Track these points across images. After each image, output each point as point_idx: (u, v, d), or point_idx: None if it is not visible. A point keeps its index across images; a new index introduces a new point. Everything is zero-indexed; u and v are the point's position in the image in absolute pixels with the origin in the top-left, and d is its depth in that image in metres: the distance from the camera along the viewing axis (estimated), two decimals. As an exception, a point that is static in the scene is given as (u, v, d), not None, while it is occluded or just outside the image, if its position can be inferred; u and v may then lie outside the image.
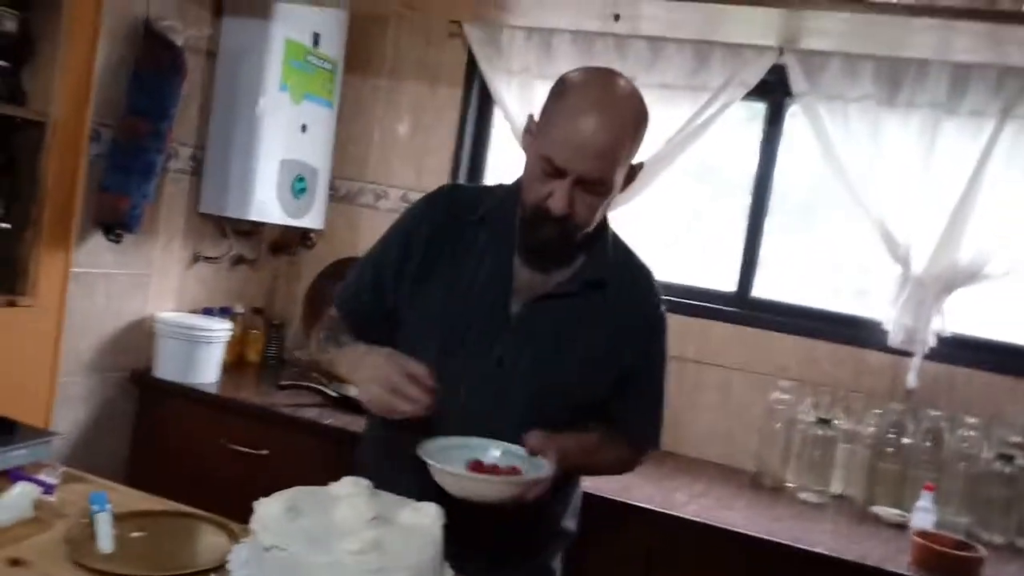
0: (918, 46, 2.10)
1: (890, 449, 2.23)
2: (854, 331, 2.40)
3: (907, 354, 2.29)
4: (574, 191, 1.27)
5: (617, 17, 2.14)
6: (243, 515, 1.05)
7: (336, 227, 2.90)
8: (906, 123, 2.27)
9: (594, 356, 1.38)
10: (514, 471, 1.26)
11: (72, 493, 1.29)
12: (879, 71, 2.28)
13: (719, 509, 2.02)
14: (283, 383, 2.51)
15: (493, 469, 1.26)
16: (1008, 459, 2.10)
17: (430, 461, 1.20)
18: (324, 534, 1.00)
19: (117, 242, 2.28)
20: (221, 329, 2.47)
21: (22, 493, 1.19)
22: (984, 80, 2.19)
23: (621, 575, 1.97)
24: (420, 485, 1.21)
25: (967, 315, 2.31)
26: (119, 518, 1.20)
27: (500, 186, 1.47)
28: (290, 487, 1.11)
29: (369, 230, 2.81)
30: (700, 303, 2.54)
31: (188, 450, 2.34)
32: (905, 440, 2.23)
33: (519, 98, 2.62)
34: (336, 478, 1.16)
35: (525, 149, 1.38)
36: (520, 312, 1.37)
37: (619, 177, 1.30)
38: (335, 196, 2.90)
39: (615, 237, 1.46)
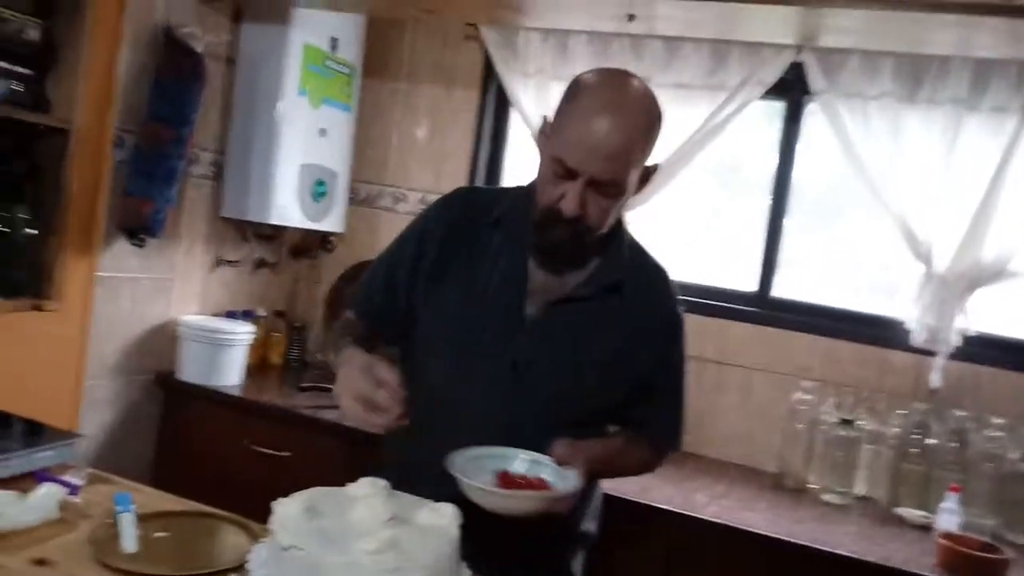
0: (938, 42, 2.07)
1: (914, 450, 2.21)
2: (876, 330, 2.38)
3: (930, 353, 2.26)
4: (586, 193, 1.26)
5: (631, 17, 2.13)
6: (266, 516, 1.06)
7: (356, 230, 2.92)
8: (927, 120, 2.25)
9: (611, 360, 1.37)
10: (541, 482, 1.25)
11: (97, 494, 1.31)
12: (899, 68, 2.26)
13: (740, 510, 2.01)
14: (304, 385, 2.54)
15: (521, 481, 1.24)
16: (1035, 460, 2.07)
17: (460, 476, 1.19)
18: (341, 534, 1.01)
19: (141, 246, 2.31)
20: (244, 332, 2.50)
21: (48, 494, 1.21)
22: (1006, 76, 2.17)
23: (641, 576, 1.97)
24: (439, 490, 1.19)
25: (992, 314, 2.28)
26: (143, 519, 1.22)
27: (516, 188, 1.47)
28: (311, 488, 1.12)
29: (388, 233, 2.80)
30: (720, 303, 2.53)
31: (212, 452, 2.37)
32: (929, 441, 2.20)
33: (536, 100, 2.63)
34: (357, 479, 1.16)
35: (539, 151, 1.38)
36: (535, 315, 1.36)
37: (632, 179, 1.29)
38: (354, 199, 2.92)
39: (630, 238, 1.45)
